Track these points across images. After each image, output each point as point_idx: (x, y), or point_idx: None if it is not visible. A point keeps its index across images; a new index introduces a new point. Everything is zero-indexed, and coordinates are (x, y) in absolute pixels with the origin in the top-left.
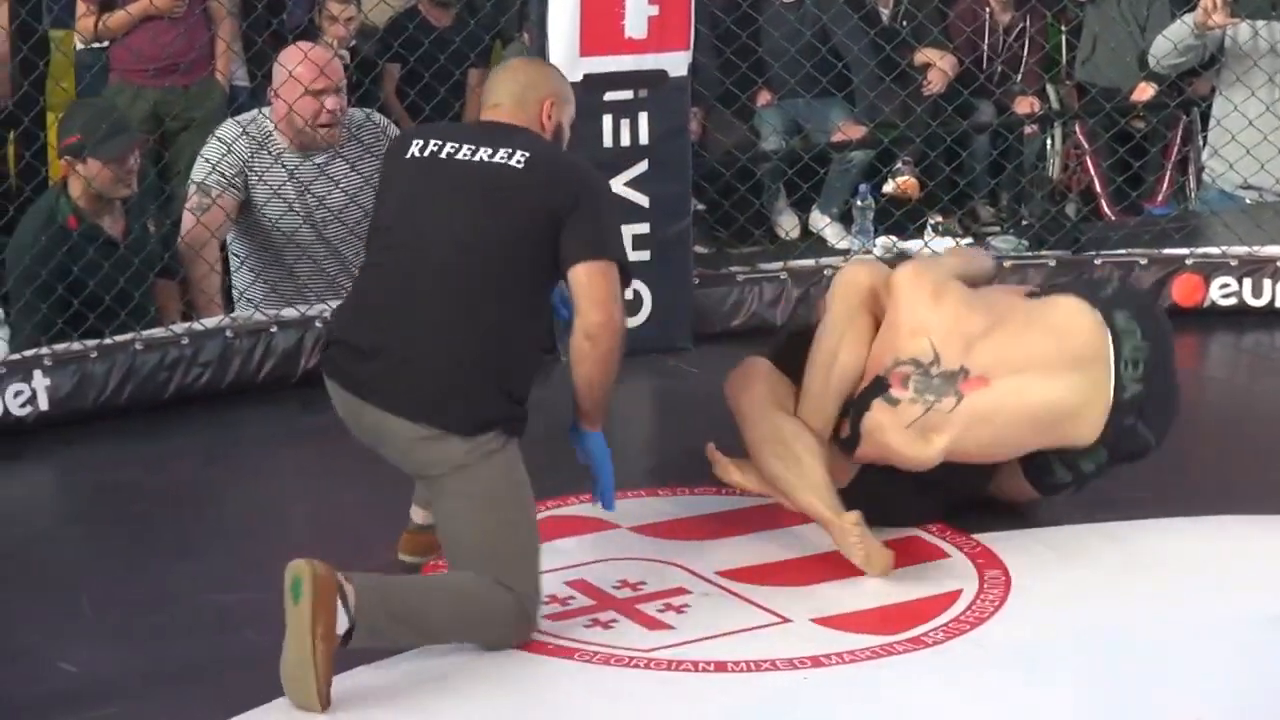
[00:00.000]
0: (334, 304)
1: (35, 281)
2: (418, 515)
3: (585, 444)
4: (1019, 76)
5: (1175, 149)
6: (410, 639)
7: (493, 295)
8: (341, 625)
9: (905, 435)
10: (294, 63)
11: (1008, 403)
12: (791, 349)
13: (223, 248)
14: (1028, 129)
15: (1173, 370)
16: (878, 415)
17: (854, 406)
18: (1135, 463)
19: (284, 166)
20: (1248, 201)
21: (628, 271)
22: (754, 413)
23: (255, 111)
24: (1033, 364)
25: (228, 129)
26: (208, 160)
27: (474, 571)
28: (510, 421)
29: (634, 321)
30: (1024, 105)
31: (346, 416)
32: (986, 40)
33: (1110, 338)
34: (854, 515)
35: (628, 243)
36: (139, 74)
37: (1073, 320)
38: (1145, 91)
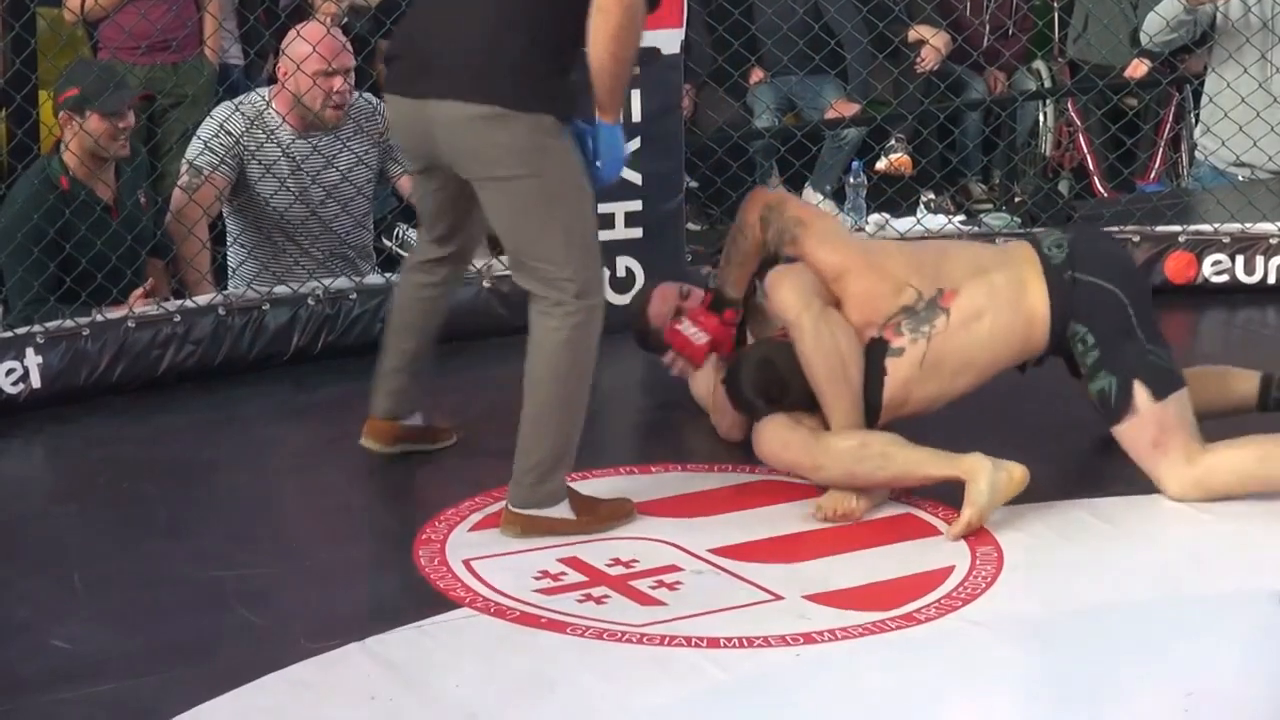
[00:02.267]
0: (328, 281)
1: (28, 242)
2: (381, 406)
3: (599, 134)
4: (1007, 54)
5: (1167, 126)
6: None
7: None
8: None
9: (921, 373)
10: (315, 39)
11: (979, 299)
12: (771, 380)
13: (215, 225)
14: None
15: (1105, 252)
16: (896, 374)
17: (867, 384)
18: (1126, 327)
19: (278, 145)
20: (1240, 179)
21: None
22: (817, 457)
23: (250, 91)
24: (983, 266)
25: (222, 108)
26: (201, 139)
27: (537, 271)
28: (563, 101)
29: (625, 299)
30: (993, 80)
31: (407, 136)
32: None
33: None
34: (975, 456)
35: (619, 220)
36: (128, 52)
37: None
38: (1138, 68)
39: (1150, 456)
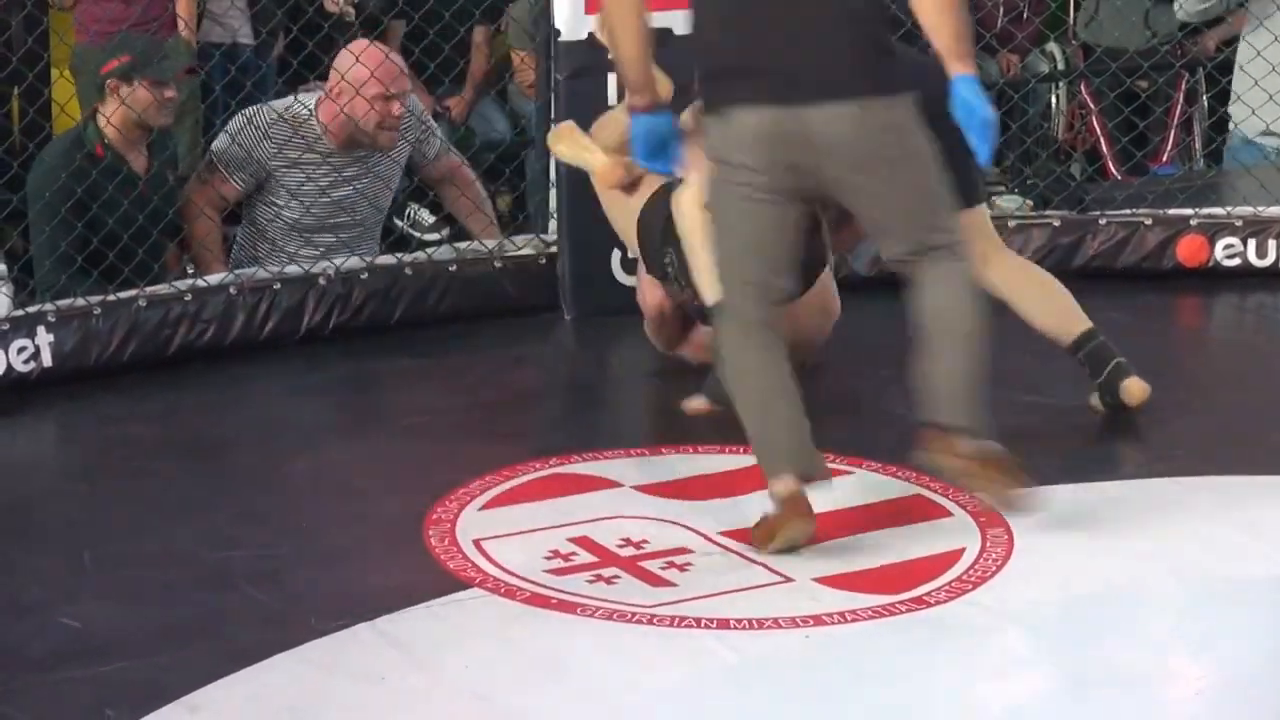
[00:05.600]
0: (339, 261)
1: (58, 206)
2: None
3: (953, 91)
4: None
5: (1179, 109)
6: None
7: None
8: None
9: None
10: (374, 63)
11: None
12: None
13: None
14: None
15: None
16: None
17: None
18: None
19: (318, 152)
20: (1270, 149)
21: None
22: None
23: (291, 99)
24: None
25: (264, 115)
26: (231, 136)
27: (936, 236)
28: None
29: (634, 279)
30: (1006, 63)
31: (775, 150)
32: None
33: None
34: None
35: None
36: (103, 36)
37: None
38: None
39: None
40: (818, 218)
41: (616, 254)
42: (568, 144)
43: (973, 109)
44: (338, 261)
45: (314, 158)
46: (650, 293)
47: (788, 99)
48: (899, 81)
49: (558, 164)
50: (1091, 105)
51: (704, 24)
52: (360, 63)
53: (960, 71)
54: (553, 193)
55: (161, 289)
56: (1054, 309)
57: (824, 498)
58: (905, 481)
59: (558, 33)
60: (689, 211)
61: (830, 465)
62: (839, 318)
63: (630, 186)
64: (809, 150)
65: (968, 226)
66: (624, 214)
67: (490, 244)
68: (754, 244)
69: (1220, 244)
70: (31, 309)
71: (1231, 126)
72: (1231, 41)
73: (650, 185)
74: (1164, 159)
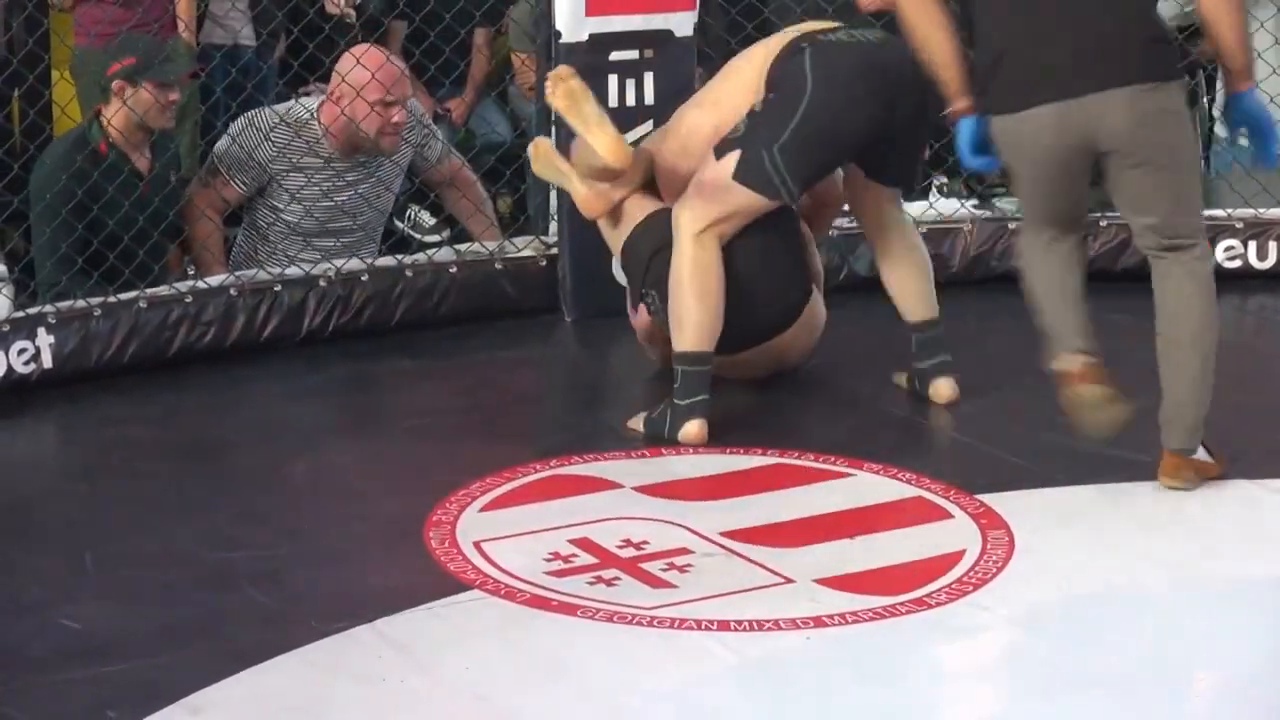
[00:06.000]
0: (339, 263)
1: (59, 207)
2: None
3: (1241, 106)
4: None
5: None
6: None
7: None
8: None
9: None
10: (375, 66)
11: None
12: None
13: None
14: None
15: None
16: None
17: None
18: None
19: (320, 155)
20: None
21: None
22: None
23: (293, 101)
24: None
25: (265, 117)
26: (233, 138)
27: (1184, 228)
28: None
29: None
30: None
31: (1057, 138)
32: None
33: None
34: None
35: None
36: (103, 38)
37: None
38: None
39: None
40: (802, 247)
41: None
42: (544, 164)
43: (1260, 117)
44: (338, 263)
45: (315, 161)
46: (639, 314)
47: (1072, 91)
48: (1171, 67)
49: None
50: None
51: (988, 29)
52: (361, 65)
53: (1243, 88)
54: (553, 195)
55: (162, 290)
56: (915, 290)
57: (825, 499)
58: (905, 483)
59: (558, 34)
60: (686, 250)
61: (830, 466)
62: (830, 323)
63: (614, 212)
64: (1093, 134)
65: (888, 199)
66: (614, 233)
67: (491, 246)
68: (1047, 195)
69: (1221, 246)
70: (32, 310)
71: (1219, 131)
72: None
73: (640, 209)
74: None
